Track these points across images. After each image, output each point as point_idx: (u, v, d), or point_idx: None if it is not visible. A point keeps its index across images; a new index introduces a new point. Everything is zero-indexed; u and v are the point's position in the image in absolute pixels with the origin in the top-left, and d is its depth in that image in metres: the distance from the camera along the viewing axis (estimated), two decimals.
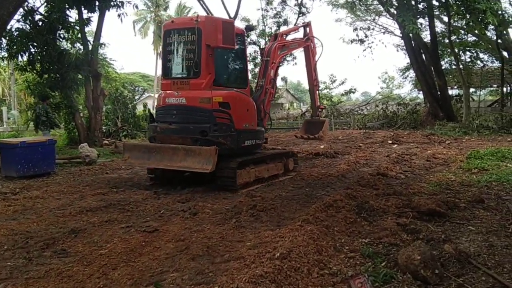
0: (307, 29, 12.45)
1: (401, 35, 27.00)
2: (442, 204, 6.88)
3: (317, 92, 13.38)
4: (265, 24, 32.29)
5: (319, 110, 13.44)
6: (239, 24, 17.63)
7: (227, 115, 8.96)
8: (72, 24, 17.53)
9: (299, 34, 12.58)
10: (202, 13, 25.68)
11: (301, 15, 30.53)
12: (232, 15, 27.80)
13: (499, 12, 20.89)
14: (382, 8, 28.17)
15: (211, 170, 8.40)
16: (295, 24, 30.14)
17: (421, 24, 24.28)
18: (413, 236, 5.66)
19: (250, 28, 11.12)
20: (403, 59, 63.38)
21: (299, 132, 13.48)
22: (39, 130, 15.84)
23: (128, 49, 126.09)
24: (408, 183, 9.02)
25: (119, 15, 17.86)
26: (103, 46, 20.15)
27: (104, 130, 20.52)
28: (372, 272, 4.44)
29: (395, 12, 24.11)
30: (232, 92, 9.41)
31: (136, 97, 42.36)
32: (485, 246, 5.24)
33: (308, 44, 12.39)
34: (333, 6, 32.32)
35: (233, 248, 5.21)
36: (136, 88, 58.35)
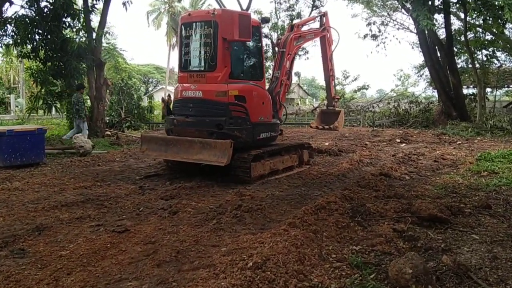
0: (324, 19, 12.31)
1: (416, 31, 26.31)
2: (445, 209, 6.40)
3: (333, 82, 13.25)
4: (278, 17, 31.80)
5: (335, 100, 13.35)
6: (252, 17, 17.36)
7: (242, 108, 9.03)
8: (77, 11, 17.23)
9: (316, 24, 12.41)
10: (216, 5, 25.33)
11: (314, 8, 30.01)
12: (244, 8, 27.38)
13: None
14: (398, 4, 27.46)
15: (226, 163, 8.48)
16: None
17: (436, 20, 23.58)
18: (410, 244, 5.22)
19: (265, 20, 10.97)
20: (419, 57, 62.38)
21: (315, 123, 13.44)
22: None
23: (141, 40, 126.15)
24: (412, 185, 8.51)
25: (123, 3, 17.49)
26: (107, 34, 19.75)
27: (107, 121, 20.23)
28: (358, 285, 4.02)
29: (410, 7, 23.44)
30: (248, 86, 9.45)
31: (150, 89, 42.37)
32: (488, 258, 4.76)
33: (324, 34, 12.21)
34: (349, 1, 31.64)
35: (205, 254, 4.74)
36: (150, 80, 58.34)
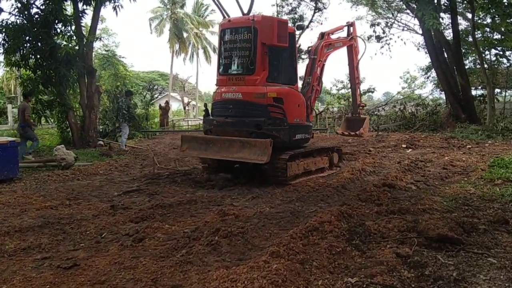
0: (351, 28, 12.78)
1: (421, 31, 25.54)
2: (457, 226, 5.62)
3: (359, 90, 13.80)
4: None
5: (360, 107, 13.74)
6: None
7: (280, 109, 9.54)
8: (67, 17, 16.59)
9: (343, 33, 12.87)
10: (216, 9, 24.86)
11: (317, 10, 29.27)
12: (245, 11, 26.80)
13: None
14: (403, 5, 26.72)
15: (266, 161, 8.93)
16: (311, 21, 29.11)
17: (442, 19, 22.81)
18: (416, 272, 4.42)
19: (300, 27, 11.02)
20: (425, 58, 61.36)
21: (340, 129, 13.83)
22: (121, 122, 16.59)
23: (144, 47, 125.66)
24: (419, 197, 7.70)
25: (114, 8, 16.86)
26: (99, 40, 19.14)
27: (101, 130, 19.51)
28: None
29: (415, 6, 22.69)
30: (285, 88, 9.94)
31: (156, 96, 41.92)
32: None
33: (352, 43, 12.68)
34: (353, 3, 30.93)
35: None
36: (155, 87, 57.78)
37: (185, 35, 57.42)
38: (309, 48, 11.85)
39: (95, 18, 17.55)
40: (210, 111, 10.54)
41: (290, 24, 12.34)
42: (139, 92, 32.26)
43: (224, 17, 26.93)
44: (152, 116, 27.66)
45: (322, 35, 11.73)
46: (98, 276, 4.36)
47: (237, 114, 9.69)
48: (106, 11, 50.55)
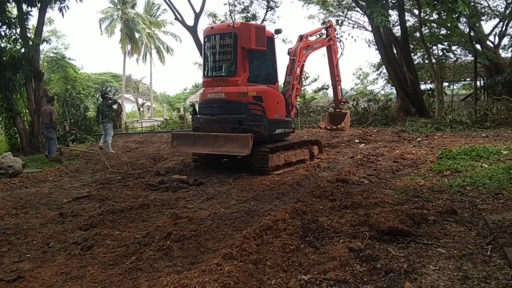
0: (329, 30, 13.90)
1: (371, 29, 26.00)
2: (407, 218, 5.69)
3: (339, 87, 14.63)
4: (233, 19, 30.84)
5: (341, 103, 14.69)
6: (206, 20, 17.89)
7: (260, 107, 10.44)
8: (12, 19, 16.02)
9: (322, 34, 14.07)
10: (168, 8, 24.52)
11: (269, 9, 29.30)
12: (197, 10, 26.55)
13: (471, 3, 20.13)
14: (353, 3, 27.11)
15: (247, 154, 9.78)
16: (263, 19, 29.12)
17: (390, 16, 23.29)
18: (368, 265, 4.44)
19: (278, 31, 11.35)
20: (376, 55, 62.52)
21: (323, 123, 14.74)
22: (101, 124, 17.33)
23: (95, 48, 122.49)
24: (371, 191, 7.78)
25: (60, 9, 16.39)
26: (46, 43, 18.57)
27: None
28: None
29: (364, 4, 23.07)
30: (264, 87, 10.77)
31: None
32: (458, 278, 4.04)
33: (330, 43, 13.71)
34: (305, 1, 31.12)
35: None
36: (108, 89, 56.64)
37: (137, 35, 56.51)
38: (289, 50, 12.47)
39: (41, 20, 17.05)
40: (197, 110, 11.47)
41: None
42: (91, 95, 31.51)
43: (176, 16, 26.66)
44: None
45: (301, 37, 12.46)
46: (43, 287, 4.19)
47: (221, 112, 10.58)
48: (55, 13, 49.16)
